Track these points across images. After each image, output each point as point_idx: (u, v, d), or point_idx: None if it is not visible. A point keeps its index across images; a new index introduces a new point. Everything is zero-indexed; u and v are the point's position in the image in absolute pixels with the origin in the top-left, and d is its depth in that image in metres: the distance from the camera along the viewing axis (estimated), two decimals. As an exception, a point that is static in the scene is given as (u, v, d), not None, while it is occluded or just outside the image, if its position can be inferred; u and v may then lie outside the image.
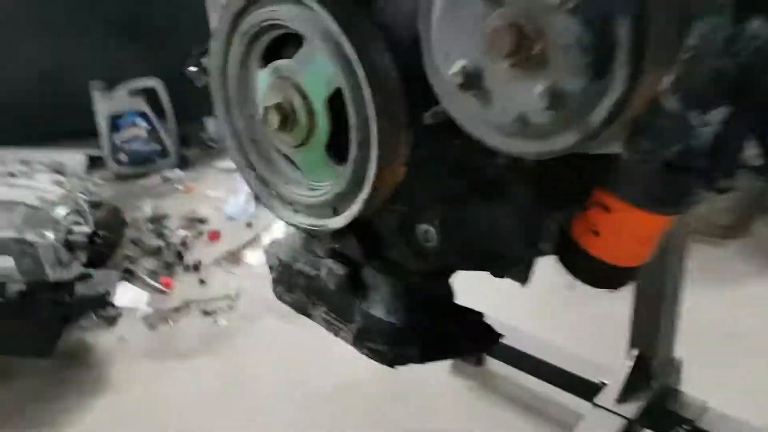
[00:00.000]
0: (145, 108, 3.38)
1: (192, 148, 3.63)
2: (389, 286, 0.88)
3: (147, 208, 3.12)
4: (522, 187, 0.83)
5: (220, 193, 3.23)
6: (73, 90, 3.40)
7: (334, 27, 0.66)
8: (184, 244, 2.82)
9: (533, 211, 0.85)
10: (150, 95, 3.40)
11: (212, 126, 3.66)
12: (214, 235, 2.89)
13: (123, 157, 3.44)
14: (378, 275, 0.89)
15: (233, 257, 2.77)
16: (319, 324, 0.96)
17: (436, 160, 0.74)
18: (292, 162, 0.81)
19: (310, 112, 0.73)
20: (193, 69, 0.86)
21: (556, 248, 0.97)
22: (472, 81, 0.54)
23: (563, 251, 0.95)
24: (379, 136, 0.67)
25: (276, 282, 1.00)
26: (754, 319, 2.21)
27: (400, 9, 0.67)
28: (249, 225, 2.96)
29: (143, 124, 3.42)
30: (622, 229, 0.89)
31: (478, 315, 0.95)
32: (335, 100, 0.71)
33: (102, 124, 3.37)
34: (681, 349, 1.75)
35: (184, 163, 3.52)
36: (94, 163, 3.44)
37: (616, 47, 0.47)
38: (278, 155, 0.82)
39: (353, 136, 0.69)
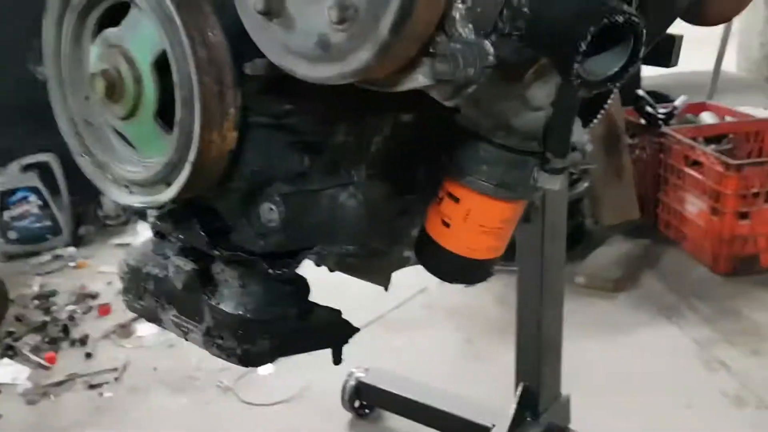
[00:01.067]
0: (38, 183, 3.27)
1: (87, 225, 3.52)
2: (237, 279, 0.86)
3: (34, 286, 2.99)
4: (364, 170, 0.84)
5: (113, 269, 3.12)
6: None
7: (155, -15, 0.66)
8: (71, 318, 2.72)
9: (376, 194, 0.86)
10: (45, 171, 3.31)
11: (109, 203, 3.58)
12: (105, 310, 2.78)
13: (12, 234, 3.29)
14: (226, 269, 0.87)
15: (123, 330, 2.66)
16: (169, 329, 0.92)
17: (271, 129, 0.74)
18: (127, 142, 0.79)
19: (137, 78, 0.72)
20: (33, 63, 0.84)
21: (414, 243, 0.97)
22: (271, 6, 0.55)
23: (418, 243, 0.96)
24: (200, 91, 0.67)
25: (126, 290, 0.96)
26: (644, 363, 2.27)
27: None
28: (142, 298, 2.86)
29: (35, 200, 3.30)
30: (471, 219, 0.90)
31: (336, 311, 0.93)
32: (163, 68, 0.71)
33: (-9, 201, 3.23)
34: (573, 392, 1.78)
35: (77, 241, 3.40)
36: (-19, 243, 3.28)
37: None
38: (112, 134, 0.80)
39: (177, 95, 0.68)
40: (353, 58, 0.54)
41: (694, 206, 2.77)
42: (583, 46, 0.53)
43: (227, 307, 0.85)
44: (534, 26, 0.60)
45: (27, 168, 3.28)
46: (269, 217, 0.79)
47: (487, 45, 0.57)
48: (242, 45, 0.70)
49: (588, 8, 0.55)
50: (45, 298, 2.89)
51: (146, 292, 0.93)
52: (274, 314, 0.86)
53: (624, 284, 2.69)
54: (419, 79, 0.59)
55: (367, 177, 0.85)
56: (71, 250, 3.31)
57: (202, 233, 0.83)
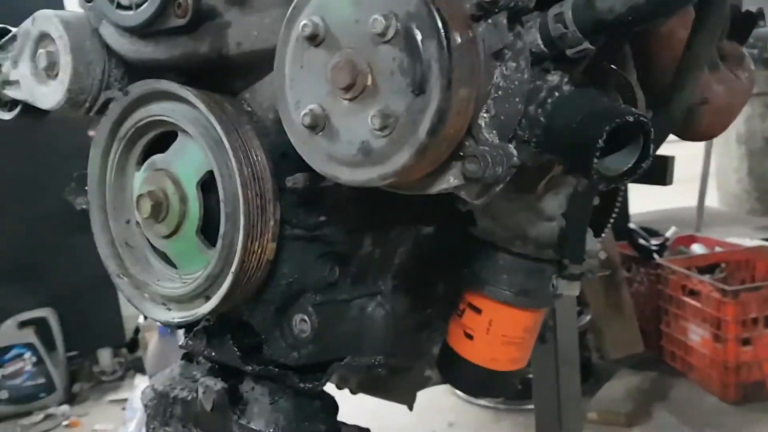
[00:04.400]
0: (34, 339, 3.25)
1: (81, 381, 3.45)
2: (267, 395, 0.86)
3: (24, 447, 2.88)
4: (389, 281, 0.88)
5: (109, 426, 3.03)
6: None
7: (205, 114, 0.73)
8: (63, 481, 2.59)
9: (401, 306, 0.89)
10: (41, 326, 3.29)
11: (105, 358, 3.53)
12: (99, 470, 2.67)
13: (3, 394, 3.21)
14: (256, 386, 0.87)
15: (119, 489, 2.54)
16: (195, 455, 0.90)
17: (305, 241, 0.79)
18: (166, 260, 0.83)
19: (183, 198, 0.77)
20: (72, 194, 0.90)
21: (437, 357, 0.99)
22: (318, 120, 0.62)
23: (440, 358, 0.97)
24: (244, 205, 0.72)
25: (151, 418, 0.95)
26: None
27: (262, 97, 0.77)
28: (139, 454, 2.76)
29: (30, 357, 3.25)
30: (494, 329, 0.93)
31: (365, 430, 0.92)
32: (206, 189, 0.77)
33: (-17, 362, 3.18)
34: None
35: (71, 398, 3.31)
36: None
37: (430, 66, 0.56)
38: (151, 255, 0.84)
39: (222, 210, 0.73)
40: (394, 161, 0.59)
41: (696, 335, 2.78)
42: (601, 143, 0.59)
43: (258, 425, 0.85)
44: (550, 133, 0.66)
45: (23, 324, 3.27)
46: (301, 327, 0.82)
47: (511, 148, 0.63)
48: (280, 164, 0.76)
49: (600, 111, 0.62)
50: (35, 459, 2.78)
51: (173, 417, 0.92)
52: (305, 431, 0.85)
53: (636, 418, 2.64)
54: (450, 180, 0.64)
55: (393, 288, 0.88)
56: (64, 408, 3.22)
57: (235, 348, 0.84)
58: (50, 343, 3.30)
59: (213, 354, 0.87)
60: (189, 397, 0.91)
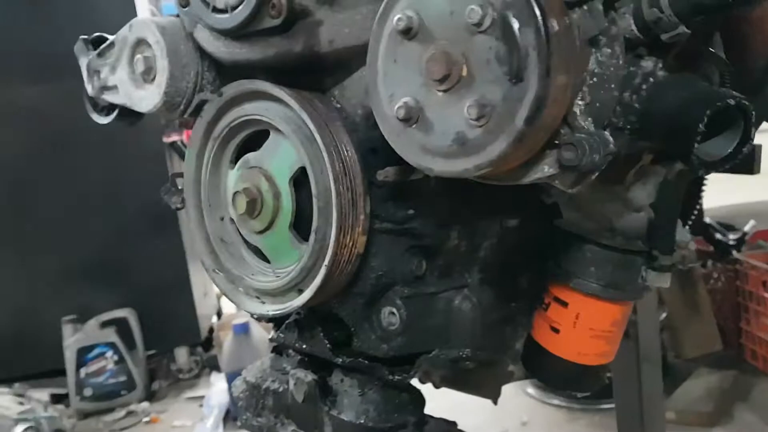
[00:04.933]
0: (115, 339, 3.37)
1: (160, 379, 3.57)
2: (357, 387, 0.88)
3: (109, 442, 3.00)
4: (476, 274, 0.88)
5: (187, 422, 3.12)
6: (45, 327, 3.41)
7: (297, 111, 0.75)
8: (147, 473, 2.69)
9: (487, 299, 0.89)
10: (121, 326, 3.42)
11: (182, 357, 3.64)
12: (180, 463, 2.76)
13: (88, 392, 3.34)
14: (345, 378, 0.89)
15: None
16: (289, 447, 0.93)
17: (393, 235, 0.80)
18: (259, 255, 0.85)
19: (276, 194, 0.79)
20: (169, 193, 0.94)
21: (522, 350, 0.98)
22: (412, 113, 0.63)
23: (525, 353, 0.97)
24: (337, 200, 0.74)
25: (243, 409, 0.98)
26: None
27: (351, 93, 0.78)
28: (217, 450, 2.84)
29: (112, 355, 3.38)
30: (581, 322, 0.92)
31: (452, 423, 0.93)
32: (298, 185, 0.79)
33: (69, 358, 3.32)
34: None
35: (150, 396, 3.43)
36: (59, 401, 3.34)
37: (527, 54, 0.56)
38: (245, 250, 0.87)
39: (315, 205, 0.75)
40: (489, 150, 0.60)
41: (779, 333, 2.67)
42: (702, 128, 0.59)
43: (348, 416, 0.86)
44: (646, 119, 0.66)
45: (105, 324, 3.40)
46: (390, 320, 0.83)
47: (608, 135, 0.62)
48: (370, 158, 0.78)
49: (701, 95, 0.61)
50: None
51: (265, 408, 0.95)
52: (395, 422, 0.87)
53: (717, 418, 2.55)
54: (545, 170, 0.64)
55: (479, 281, 0.88)
56: (145, 405, 3.34)
57: (326, 341, 0.86)
58: (130, 342, 3.43)
59: (304, 346, 0.89)
60: (280, 389, 0.93)
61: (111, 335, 3.38)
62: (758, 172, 1.11)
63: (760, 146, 1.10)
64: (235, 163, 0.85)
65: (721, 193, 3.24)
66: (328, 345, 0.86)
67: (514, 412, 2.75)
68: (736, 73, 0.88)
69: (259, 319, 0.95)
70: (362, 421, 0.85)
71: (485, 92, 0.59)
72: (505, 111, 0.58)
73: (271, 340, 0.96)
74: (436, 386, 1.09)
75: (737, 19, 0.85)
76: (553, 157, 0.63)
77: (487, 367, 0.99)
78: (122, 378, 3.38)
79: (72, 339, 3.34)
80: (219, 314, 4.16)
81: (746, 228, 2.97)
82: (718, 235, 2.94)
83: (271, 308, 0.83)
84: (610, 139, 0.63)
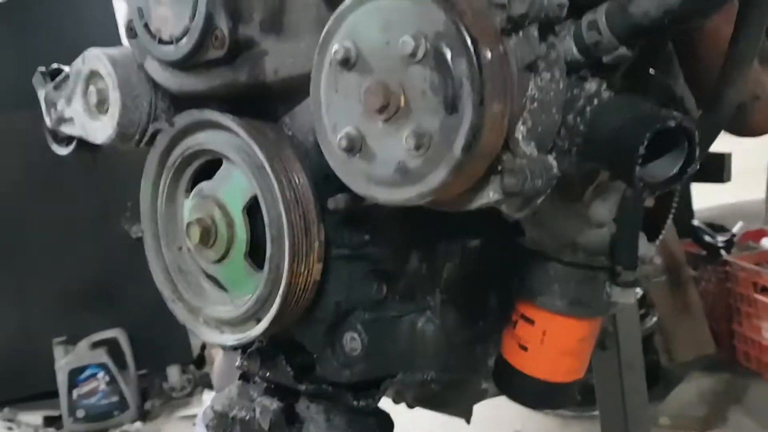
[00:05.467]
0: (107, 359, 3.36)
1: (152, 399, 3.55)
2: (324, 413, 0.87)
3: (102, 463, 2.99)
4: (438, 296, 0.88)
5: (182, 440, 3.11)
6: (37, 350, 3.40)
7: (246, 141, 0.75)
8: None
9: (452, 320, 0.88)
10: (112, 346, 3.41)
11: (174, 375, 3.63)
12: (174, 483, 2.74)
13: (80, 413, 3.33)
14: (311, 405, 0.88)
15: (192, 503, 2.60)
16: (254, 474, 0.92)
17: (350, 260, 0.79)
18: (217, 284, 0.85)
19: (230, 223, 0.79)
20: (127, 222, 0.93)
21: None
22: (354, 143, 0.62)
23: (496, 371, 0.96)
24: (288, 228, 0.73)
25: (211, 438, 0.97)
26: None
27: (302, 120, 0.78)
28: (210, 469, 2.82)
29: (103, 376, 3.37)
30: (548, 340, 0.91)
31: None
32: (251, 213, 0.79)
33: (61, 380, 3.31)
34: None
35: (143, 415, 3.41)
36: (51, 423, 3.33)
37: (461, 84, 0.56)
38: (204, 280, 0.86)
39: (268, 234, 0.75)
40: (430, 179, 0.59)
41: (770, 334, 2.66)
42: (642, 150, 0.58)
43: (314, 443, 0.86)
44: (590, 141, 0.65)
45: (96, 345, 3.38)
46: (352, 346, 0.82)
47: (551, 159, 0.62)
48: (323, 185, 0.77)
49: (641, 118, 0.61)
50: (113, 475, 2.88)
51: (233, 437, 0.94)
52: (361, 448, 0.86)
53: (712, 422, 2.54)
54: (490, 195, 0.63)
55: (442, 302, 0.88)
56: (138, 425, 3.33)
57: (288, 368, 0.86)
58: (121, 362, 3.41)
59: (268, 374, 0.88)
60: (247, 417, 0.92)
61: (102, 356, 3.37)
62: (729, 180, 1.11)
63: (729, 154, 1.10)
64: (191, 193, 0.85)
65: (709, 193, 3.24)
66: (291, 372, 0.86)
67: (507, 420, 2.74)
68: (693, 86, 0.88)
69: (223, 348, 0.94)
70: (328, 449, 0.85)
71: (422, 122, 0.59)
72: (442, 140, 0.58)
73: (236, 368, 0.95)
74: (410, 406, 1.09)
75: (690, 33, 0.85)
76: (497, 183, 0.63)
77: (458, 387, 0.98)
78: (114, 398, 3.36)
79: (63, 361, 3.33)
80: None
81: (735, 230, 2.97)
82: (707, 237, 2.94)
83: (231, 338, 0.82)
84: (554, 163, 0.63)
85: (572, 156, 0.66)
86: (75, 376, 3.35)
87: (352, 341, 0.82)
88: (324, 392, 0.85)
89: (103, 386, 3.36)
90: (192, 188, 0.85)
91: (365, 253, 0.80)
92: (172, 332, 3.58)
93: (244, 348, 0.95)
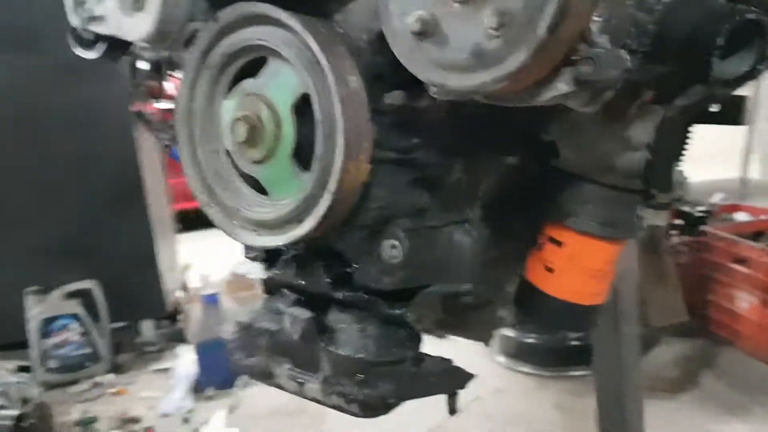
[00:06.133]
0: (80, 310, 3.30)
1: (125, 352, 3.51)
2: (356, 323, 0.87)
3: (75, 413, 2.94)
4: (477, 210, 0.88)
5: (155, 393, 3.08)
6: (10, 299, 3.32)
7: (301, 34, 0.73)
8: (115, 444, 2.65)
9: (487, 235, 0.88)
10: (86, 298, 3.35)
11: (148, 329, 3.59)
12: (150, 433, 2.72)
13: (53, 363, 3.27)
14: (343, 315, 0.88)
15: (170, 452, 2.59)
16: (282, 384, 0.91)
17: (397, 165, 0.78)
18: (256, 186, 0.83)
19: (277, 122, 0.77)
20: (158, 131, 0.91)
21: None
22: (428, 27, 0.61)
23: (519, 294, 0.97)
24: (345, 124, 0.72)
25: (234, 350, 0.96)
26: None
27: (356, 17, 0.76)
28: (186, 420, 2.83)
29: (76, 327, 3.31)
30: (575, 262, 0.92)
31: (448, 360, 0.92)
32: (299, 112, 0.77)
33: (33, 329, 3.24)
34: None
35: (116, 368, 3.37)
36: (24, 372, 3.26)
37: (550, -39, 0.55)
38: (241, 182, 0.84)
39: (319, 132, 0.73)
40: (509, 62, 0.59)
41: (744, 302, 2.74)
42: (721, 42, 0.58)
43: (347, 351, 0.85)
44: (659, 40, 0.65)
45: (69, 296, 3.32)
46: (392, 253, 0.82)
47: (624, 52, 0.62)
48: (374, 84, 0.76)
49: (718, 12, 0.61)
50: (86, 425, 2.85)
51: (258, 348, 0.93)
52: (394, 357, 0.86)
53: (685, 384, 2.62)
54: (559, 87, 0.63)
55: (479, 217, 0.88)
56: (111, 377, 3.28)
57: (325, 276, 0.85)
58: (95, 314, 3.36)
59: (302, 282, 0.88)
60: (275, 328, 0.92)
61: (75, 307, 3.31)
62: (744, 123, 1.13)
63: (747, 97, 1.11)
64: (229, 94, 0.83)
65: (687, 170, 3.30)
66: (327, 280, 0.85)
67: (485, 379, 2.77)
68: None
69: (254, 258, 0.93)
70: (362, 356, 0.84)
71: (505, 1, 0.58)
72: (525, 19, 0.57)
73: (265, 280, 0.94)
74: (429, 332, 1.09)
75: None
76: (569, 75, 0.63)
77: (482, 308, 0.98)
78: (87, 350, 3.31)
79: (36, 310, 3.26)
80: (185, 288, 4.11)
81: (715, 200, 3.03)
82: (686, 208, 3.00)
83: (269, 240, 0.81)
84: (627, 56, 0.63)
85: (638, 57, 0.67)
86: (47, 326, 3.28)
87: (392, 249, 0.81)
88: (359, 301, 0.84)
89: (75, 337, 3.30)
90: (230, 91, 0.83)
91: (412, 159, 0.79)
92: (147, 286, 3.55)
93: (272, 260, 0.94)
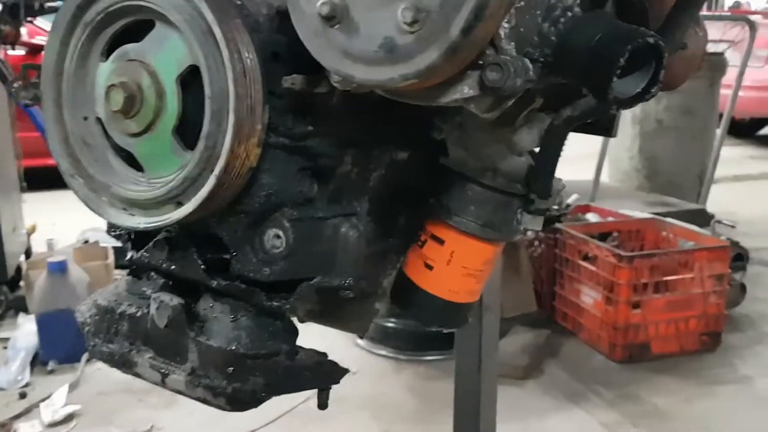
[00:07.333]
0: None
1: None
2: (230, 313, 0.82)
3: None
4: (365, 203, 0.86)
5: (-12, 363, 2.84)
6: None
7: (197, 3, 0.67)
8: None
9: (372, 230, 0.87)
10: None
11: (-17, 296, 3.29)
12: (-21, 408, 2.50)
13: None
14: (216, 303, 0.83)
15: (4, 430, 2.39)
16: (143, 374, 0.85)
17: (288, 152, 0.75)
18: (129, 161, 0.76)
19: (159, 93, 0.71)
20: (18, 87, 0.81)
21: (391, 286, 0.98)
22: (337, 12, 0.58)
23: (396, 289, 0.97)
24: (235, 104, 0.67)
25: (91, 335, 0.88)
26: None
27: (257, -9, 0.71)
28: (23, 396, 2.63)
29: None
30: (455, 260, 0.93)
31: (323, 354, 0.90)
32: (185, 84, 0.71)
33: None
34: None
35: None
36: None
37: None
38: (112, 155, 0.77)
39: (208, 108, 0.68)
40: (419, 60, 0.57)
41: (589, 297, 2.94)
42: (622, 62, 0.60)
43: (217, 342, 0.81)
44: (561, 52, 0.66)
45: None
46: (275, 243, 0.78)
47: (527, 61, 0.62)
48: (270, 63, 0.71)
49: (621, 32, 0.62)
50: None
51: (118, 334, 0.86)
52: (268, 350, 0.82)
53: (531, 372, 2.77)
54: (464, 90, 0.62)
55: (366, 211, 0.86)
56: (-66, 347, 2.98)
57: (199, 262, 0.80)
58: None
59: (173, 267, 0.82)
60: (138, 314, 0.85)
61: None
62: (615, 135, 1.18)
63: (620, 110, 1.17)
64: (108, 56, 0.75)
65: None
66: (202, 266, 0.80)
67: (344, 362, 2.78)
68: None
69: (118, 237, 0.86)
70: (233, 348, 0.80)
71: (422, -4, 0.56)
72: (441, 18, 0.56)
73: (130, 260, 0.87)
74: (301, 321, 1.06)
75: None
76: (474, 79, 0.62)
77: (361, 301, 0.97)
78: None
79: None
80: (28, 253, 3.79)
81: (570, 200, 3.22)
82: (544, 205, 3.15)
83: (143, 221, 0.74)
84: (530, 66, 0.63)
85: (538, 66, 0.67)
86: None
87: (275, 238, 0.78)
88: (235, 290, 0.80)
89: None
90: (109, 53, 0.75)
91: (304, 146, 0.75)
92: (-15, 250, 3.25)
93: (139, 241, 0.87)
